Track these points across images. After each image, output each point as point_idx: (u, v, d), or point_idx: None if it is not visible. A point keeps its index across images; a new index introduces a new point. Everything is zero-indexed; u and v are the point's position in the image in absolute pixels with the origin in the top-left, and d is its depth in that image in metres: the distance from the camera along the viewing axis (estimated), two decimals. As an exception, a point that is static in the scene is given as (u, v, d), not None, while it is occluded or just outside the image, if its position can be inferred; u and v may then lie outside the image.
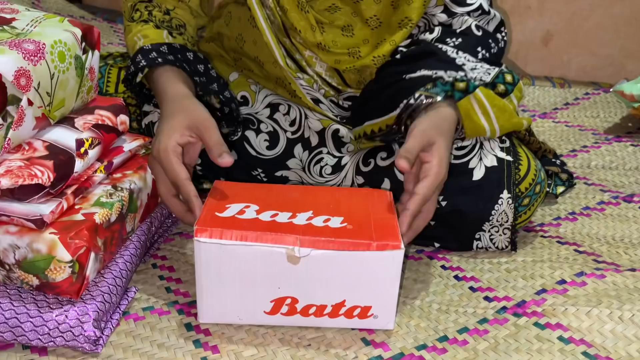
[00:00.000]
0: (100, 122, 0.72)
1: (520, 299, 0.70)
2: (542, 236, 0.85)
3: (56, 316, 0.60)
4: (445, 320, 0.67)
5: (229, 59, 0.99)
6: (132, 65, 0.81)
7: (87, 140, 0.68)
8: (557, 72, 1.53)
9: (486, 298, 0.71)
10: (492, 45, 0.85)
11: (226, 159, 0.66)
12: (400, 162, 0.65)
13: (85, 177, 0.68)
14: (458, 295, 0.72)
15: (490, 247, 0.80)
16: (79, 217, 0.63)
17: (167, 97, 0.77)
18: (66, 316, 0.60)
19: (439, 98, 0.74)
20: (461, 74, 0.76)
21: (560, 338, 0.62)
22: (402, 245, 0.60)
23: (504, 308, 0.69)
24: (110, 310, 0.64)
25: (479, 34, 0.83)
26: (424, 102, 0.75)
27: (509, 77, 0.78)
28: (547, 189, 0.93)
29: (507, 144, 0.82)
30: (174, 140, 0.68)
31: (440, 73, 0.77)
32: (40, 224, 0.60)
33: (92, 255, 0.63)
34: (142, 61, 0.80)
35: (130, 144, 0.76)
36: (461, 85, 0.75)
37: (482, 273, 0.76)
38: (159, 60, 0.80)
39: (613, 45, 1.48)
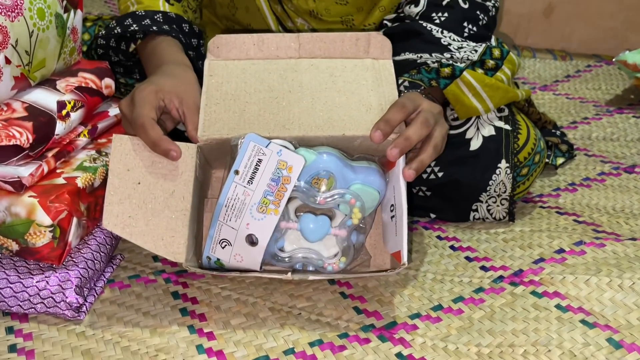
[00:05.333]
0: (83, 85, 0.69)
1: (517, 268, 0.68)
2: (540, 207, 0.83)
3: (37, 282, 0.58)
4: (440, 290, 0.65)
5: (222, 26, 0.96)
6: (117, 27, 0.77)
7: (70, 103, 0.65)
8: (559, 45, 1.50)
9: (482, 268, 0.69)
10: (481, 16, 0.82)
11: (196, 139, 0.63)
12: (372, 133, 0.61)
13: (68, 141, 0.65)
14: (454, 265, 0.70)
15: (487, 218, 0.78)
16: (60, 180, 0.61)
17: (169, 61, 0.72)
18: (47, 282, 0.58)
19: (422, 87, 0.72)
20: (447, 55, 0.74)
21: (558, 306, 0.61)
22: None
23: (500, 277, 0.67)
24: (94, 278, 0.62)
25: (466, 6, 0.81)
26: (406, 91, 0.72)
27: (496, 52, 0.77)
28: (547, 160, 0.91)
29: (506, 112, 0.79)
30: (159, 100, 0.64)
31: (425, 57, 0.75)
32: (18, 186, 0.58)
33: (75, 220, 0.60)
34: (134, 25, 0.76)
35: (116, 109, 0.74)
36: (447, 70, 0.73)
37: (478, 243, 0.74)
38: (154, 28, 0.76)
39: (616, 18, 1.45)
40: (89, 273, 0.61)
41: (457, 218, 0.79)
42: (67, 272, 0.59)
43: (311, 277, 0.60)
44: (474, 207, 0.78)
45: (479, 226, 0.78)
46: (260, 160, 0.60)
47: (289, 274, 0.59)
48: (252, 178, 0.60)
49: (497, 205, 0.77)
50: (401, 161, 0.62)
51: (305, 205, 0.65)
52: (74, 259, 0.61)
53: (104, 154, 0.68)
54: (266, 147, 0.60)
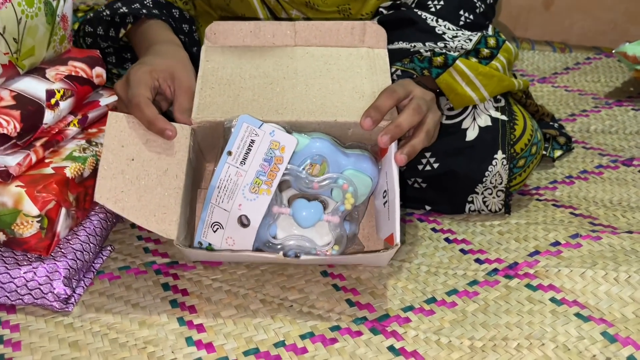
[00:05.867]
0: (73, 74, 0.68)
1: (512, 260, 0.67)
2: (537, 199, 0.82)
3: (24, 273, 0.57)
4: (433, 282, 0.65)
5: (216, 16, 0.94)
6: (106, 10, 0.76)
7: (59, 92, 0.64)
8: (558, 37, 1.48)
9: (477, 260, 0.68)
10: (478, 4, 0.81)
11: (186, 121, 0.63)
12: (362, 120, 0.61)
13: (57, 130, 0.64)
14: (448, 258, 0.69)
15: (483, 210, 0.77)
16: (48, 170, 0.60)
17: (160, 41, 0.72)
18: (35, 273, 0.57)
19: (414, 76, 0.72)
20: (440, 44, 0.73)
21: (553, 299, 0.60)
22: None
23: (495, 270, 0.66)
24: (83, 269, 0.62)
25: None
26: (399, 79, 0.71)
27: (492, 41, 0.76)
28: (544, 152, 0.90)
29: (502, 102, 0.78)
30: (154, 80, 0.64)
31: (419, 46, 0.74)
32: (5, 176, 0.57)
33: (63, 210, 0.60)
34: (123, 8, 0.75)
35: (107, 99, 0.73)
36: (439, 60, 0.72)
37: (473, 235, 0.73)
38: (144, 11, 0.75)
39: (616, 9, 1.43)
40: (78, 264, 0.60)
41: (452, 210, 0.78)
42: (55, 263, 0.58)
43: (303, 257, 0.59)
44: (469, 199, 0.77)
45: (474, 218, 0.77)
46: (253, 141, 0.60)
47: (280, 254, 0.59)
48: (244, 159, 0.60)
49: (493, 197, 0.76)
50: (393, 147, 0.62)
51: (297, 193, 0.64)
52: (62, 250, 0.60)
53: (94, 143, 0.67)
54: (259, 127, 0.60)
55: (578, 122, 1.06)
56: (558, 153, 0.93)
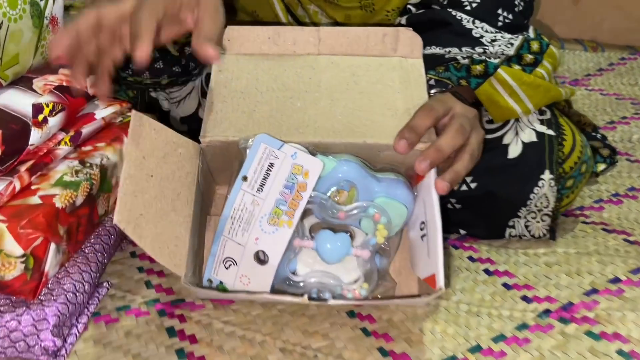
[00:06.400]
0: (65, 84, 0.60)
1: (566, 300, 0.59)
2: (583, 222, 0.74)
3: (6, 322, 0.49)
4: (476, 326, 0.57)
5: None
6: None
7: (47, 106, 0.56)
8: (587, 34, 1.39)
9: (524, 298, 0.60)
10: (517, 1, 0.72)
11: (211, 51, 0.52)
12: (396, 143, 0.53)
13: (46, 151, 0.56)
14: (490, 294, 0.61)
15: (524, 236, 0.69)
16: (35, 200, 0.52)
17: None
18: (19, 322, 0.49)
19: (450, 86, 0.64)
20: (479, 50, 0.65)
21: (620, 352, 0.52)
22: None
23: (546, 311, 0.58)
24: (76, 313, 0.53)
25: None
26: (433, 91, 0.63)
27: (535, 45, 0.68)
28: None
29: (548, 115, 0.70)
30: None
31: (454, 52, 0.66)
32: (-18, 209, 0.48)
33: (52, 246, 0.51)
34: None
35: (103, 111, 0.64)
36: (479, 68, 0.64)
37: (517, 267, 0.65)
38: None
39: (650, 5, 1.34)
40: (70, 308, 0.52)
41: (490, 235, 0.70)
42: (43, 310, 0.50)
43: (331, 302, 0.52)
44: (510, 223, 0.68)
45: (515, 245, 0.69)
46: (272, 165, 0.52)
47: (305, 296, 0.51)
48: (262, 185, 0.52)
49: (537, 222, 0.68)
50: (432, 172, 0.54)
51: (322, 223, 0.56)
52: (51, 292, 0.52)
53: (88, 165, 0.58)
54: (279, 149, 0.52)
55: (619, 131, 0.97)
56: (602, 167, 0.84)
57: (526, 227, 0.68)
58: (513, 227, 0.68)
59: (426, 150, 0.53)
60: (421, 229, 0.56)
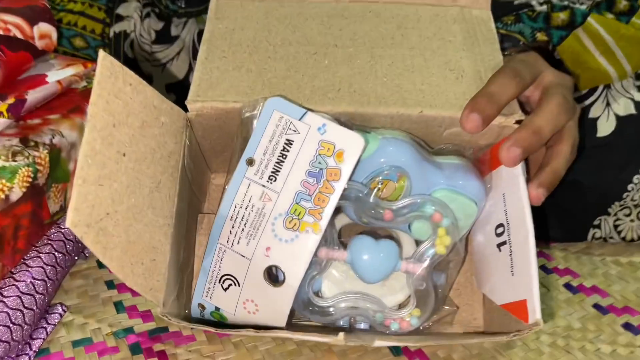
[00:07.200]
0: (2, 33, 0.44)
1: (689, 332, 0.44)
2: (683, 220, 0.58)
3: None
4: (569, 367, 0.41)
5: None
6: None
7: (-29, 61, 0.39)
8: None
9: (627, 326, 0.45)
10: None
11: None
12: (465, 117, 0.38)
13: (-31, 124, 0.40)
14: (579, 320, 0.46)
15: (612, 238, 0.54)
16: (-55, 195, 0.36)
17: None
18: None
19: (521, 43, 0.49)
20: None
21: None
22: None
23: (665, 348, 0.42)
24: (13, 353, 0.38)
25: None
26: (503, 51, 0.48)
27: None
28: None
29: (646, 80, 0.54)
30: None
31: None
32: None
33: (-28, 262, 0.36)
34: None
35: (59, 72, 0.48)
36: (562, 16, 0.50)
37: (609, 282, 0.50)
38: None
39: None
40: (3, 348, 0.36)
41: (568, 236, 0.56)
42: (-45, 355, 0.34)
43: (377, 344, 0.37)
44: (595, 222, 0.53)
45: (599, 250, 0.53)
46: (290, 142, 0.37)
47: (340, 335, 0.36)
48: (275, 171, 0.37)
49: (632, 221, 0.53)
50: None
51: (358, 225, 0.42)
52: (-28, 328, 0.36)
53: (32, 144, 0.42)
54: (300, 119, 0.37)
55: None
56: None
57: (615, 227, 0.53)
58: (599, 226, 0.54)
59: (517, 132, 0.38)
60: (498, 235, 0.40)
